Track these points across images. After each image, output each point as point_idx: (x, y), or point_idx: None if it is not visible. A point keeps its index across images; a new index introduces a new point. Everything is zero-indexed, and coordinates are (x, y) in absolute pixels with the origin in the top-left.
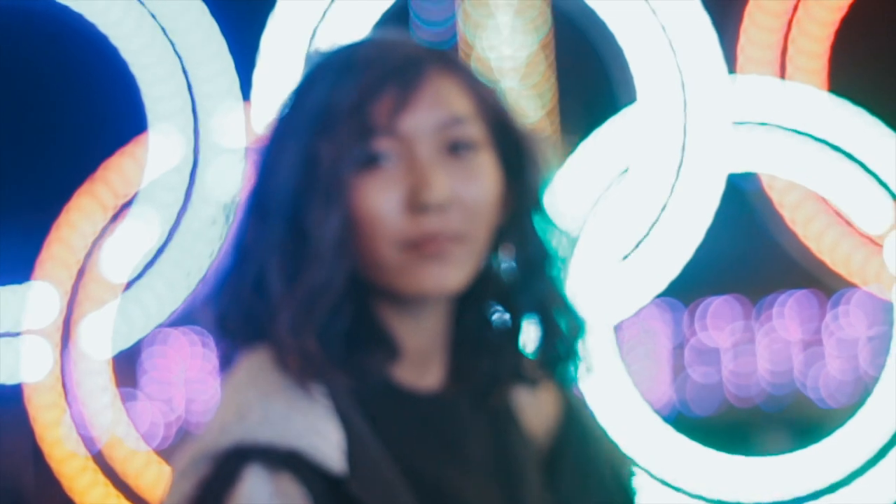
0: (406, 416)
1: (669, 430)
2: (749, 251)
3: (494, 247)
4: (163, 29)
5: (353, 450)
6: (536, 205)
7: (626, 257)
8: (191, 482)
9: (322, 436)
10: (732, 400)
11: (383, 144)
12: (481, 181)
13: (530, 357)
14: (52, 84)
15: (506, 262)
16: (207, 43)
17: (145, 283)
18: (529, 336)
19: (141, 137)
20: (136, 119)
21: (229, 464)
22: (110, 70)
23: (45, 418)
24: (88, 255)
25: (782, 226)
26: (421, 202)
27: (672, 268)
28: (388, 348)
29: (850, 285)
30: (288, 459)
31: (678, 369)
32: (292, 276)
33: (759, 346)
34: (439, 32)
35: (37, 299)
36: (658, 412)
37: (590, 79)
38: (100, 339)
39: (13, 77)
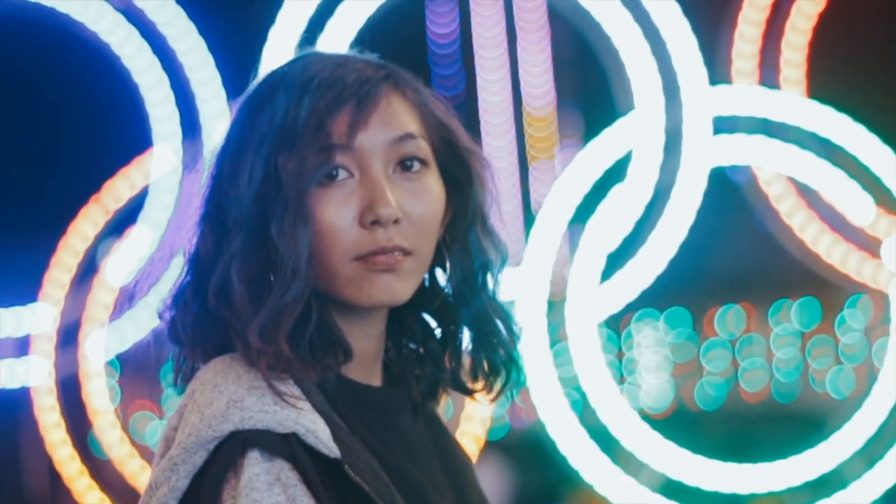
0: (367, 408)
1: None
2: (752, 257)
3: (435, 259)
4: (165, 49)
5: (336, 438)
6: (477, 220)
7: (612, 254)
8: (184, 473)
9: (313, 422)
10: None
11: (341, 159)
12: (428, 198)
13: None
14: (55, 102)
15: (447, 273)
16: (206, 64)
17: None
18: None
19: (143, 155)
20: (140, 136)
21: (228, 450)
22: (114, 88)
23: (46, 420)
24: (86, 260)
25: (777, 221)
26: (373, 217)
27: (657, 264)
28: (345, 350)
29: (850, 284)
30: (283, 446)
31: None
32: (259, 285)
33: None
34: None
35: (42, 310)
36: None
37: (588, 83)
38: (100, 342)
39: (15, 94)
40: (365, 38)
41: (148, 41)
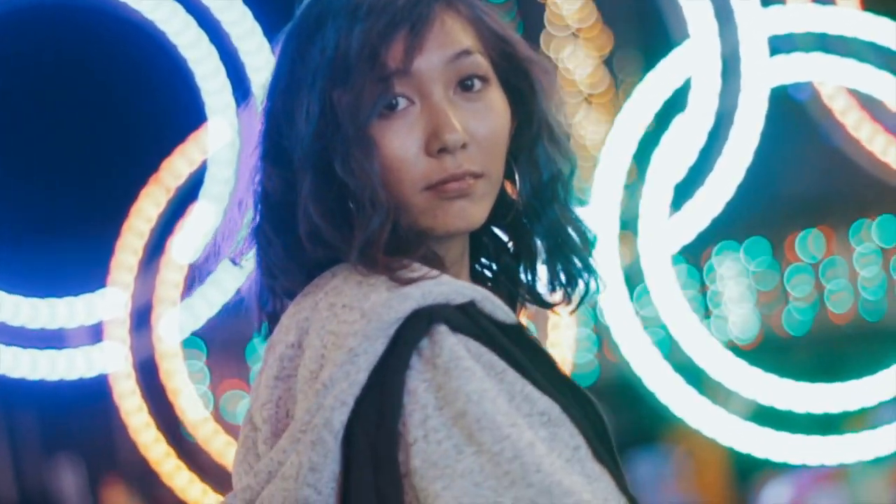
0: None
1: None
2: (825, 178)
3: (506, 173)
4: (211, 21)
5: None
6: (543, 131)
7: (679, 185)
8: (364, 364)
9: (481, 290)
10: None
11: (400, 88)
12: (493, 116)
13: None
14: (105, 86)
15: (517, 186)
16: (253, 33)
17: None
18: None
19: (198, 131)
20: (194, 111)
21: (411, 331)
22: (163, 65)
23: (127, 406)
24: (151, 241)
25: (844, 136)
26: (440, 144)
27: (726, 190)
28: (440, 268)
29: None
30: (462, 318)
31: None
32: (343, 218)
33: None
34: None
35: (112, 295)
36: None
37: (643, 22)
38: (174, 322)
39: (66, 84)
40: None
41: (193, 15)
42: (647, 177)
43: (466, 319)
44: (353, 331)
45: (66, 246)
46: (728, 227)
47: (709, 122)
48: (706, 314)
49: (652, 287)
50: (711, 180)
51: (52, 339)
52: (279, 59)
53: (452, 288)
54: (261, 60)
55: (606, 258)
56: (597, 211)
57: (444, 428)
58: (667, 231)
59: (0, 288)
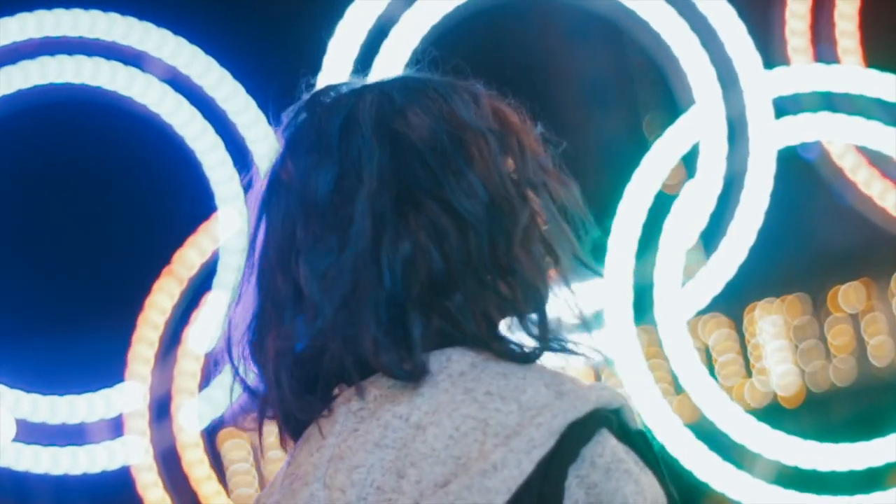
0: None
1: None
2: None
3: None
4: (216, 111)
5: None
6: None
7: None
8: (536, 456)
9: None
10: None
11: None
12: None
13: None
14: (113, 182)
15: None
16: (258, 122)
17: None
18: None
19: (208, 221)
20: (203, 202)
21: (577, 432)
22: (171, 158)
23: (150, 497)
24: (167, 333)
25: (855, 193)
26: None
27: (738, 253)
28: None
29: None
30: (612, 421)
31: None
32: None
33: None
34: None
35: (131, 389)
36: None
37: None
38: (193, 412)
39: (73, 180)
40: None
41: (197, 107)
42: (660, 244)
43: (619, 424)
44: (530, 422)
45: (82, 341)
46: (767, 284)
47: (718, 187)
48: (749, 370)
49: (670, 353)
50: (725, 244)
51: (72, 435)
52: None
53: (612, 394)
54: (265, 148)
55: (623, 327)
56: (610, 280)
57: None
58: (681, 298)
59: (17, 387)
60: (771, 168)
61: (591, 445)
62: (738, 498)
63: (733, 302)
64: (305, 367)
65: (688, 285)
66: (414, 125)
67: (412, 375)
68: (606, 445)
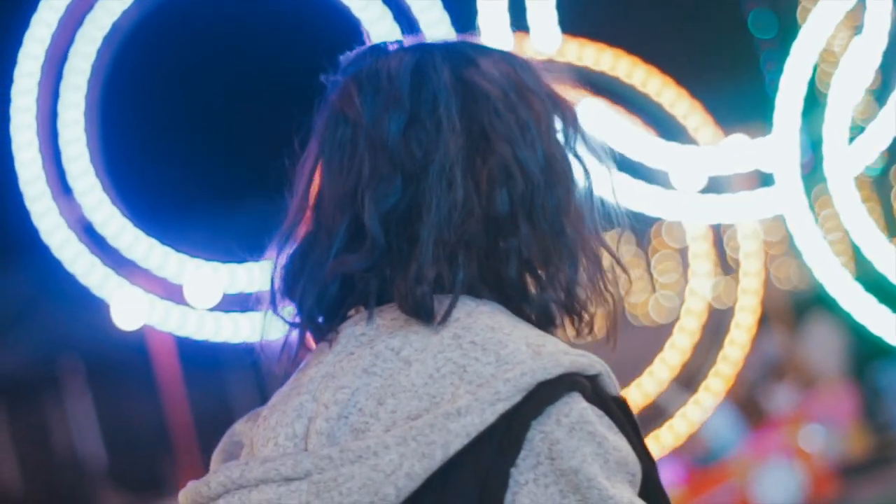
0: None
1: None
2: None
3: None
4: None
5: None
6: None
7: None
8: (500, 408)
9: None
10: None
11: None
12: None
13: None
14: (277, 54)
15: None
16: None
17: None
18: None
19: None
20: None
21: (547, 393)
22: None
23: None
24: None
25: None
26: None
27: None
28: None
29: None
30: (588, 388)
31: None
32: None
33: None
34: None
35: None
36: None
37: None
38: None
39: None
40: None
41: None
42: (828, 101)
43: (593, 389)
44: (500, 376)
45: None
46: None
47: (884, 42)
48: None
49: (840, 210)
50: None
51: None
52: None
53: (589, 360)
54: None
55: (791, 184)
56: (779, 136)
57: (553, 475)
58: (848, 153)
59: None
60: None
61: (558, 405)
62: None
63: None
64: (334, 298)
65: (857, 140)
66: (487, 76)
67: (416, 312)
68: (575, 407)
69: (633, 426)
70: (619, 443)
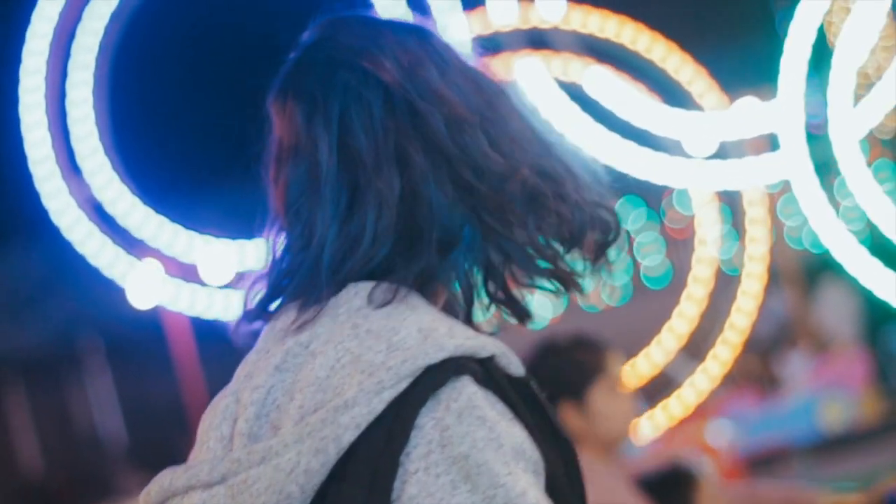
0: None
1: None
2: None
3: None
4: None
5: None
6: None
7: None
8: (387, 397)
9: (498, 344)
10: None
11: None
12: None
13: None
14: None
15: None
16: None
17: None
18: None
19: None
20: None
21: (435, 377)
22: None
23: None
24: None
25: None
26: None
27: None
28: None
29: None
30: (481, 371)
31: None
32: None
33: None
34: None
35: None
36: None
37: None
38: None
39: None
40: None
41: None
42: (833, 64)
43: (485, 373)
44: (385, 364)
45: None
46: None
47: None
48: None
49: (847, 175)
50: None
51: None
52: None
53: (480, 343)
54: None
55: (796, 150)
56: (784, 98)
57: (444, 463)
58: (853, 117)
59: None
60: None
61: (446, 390)
62: None
63: None
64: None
65: (861, 103)
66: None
67: (318, 303)
68: (463, 391)
69: (537, 409)
70: (511, 429)
